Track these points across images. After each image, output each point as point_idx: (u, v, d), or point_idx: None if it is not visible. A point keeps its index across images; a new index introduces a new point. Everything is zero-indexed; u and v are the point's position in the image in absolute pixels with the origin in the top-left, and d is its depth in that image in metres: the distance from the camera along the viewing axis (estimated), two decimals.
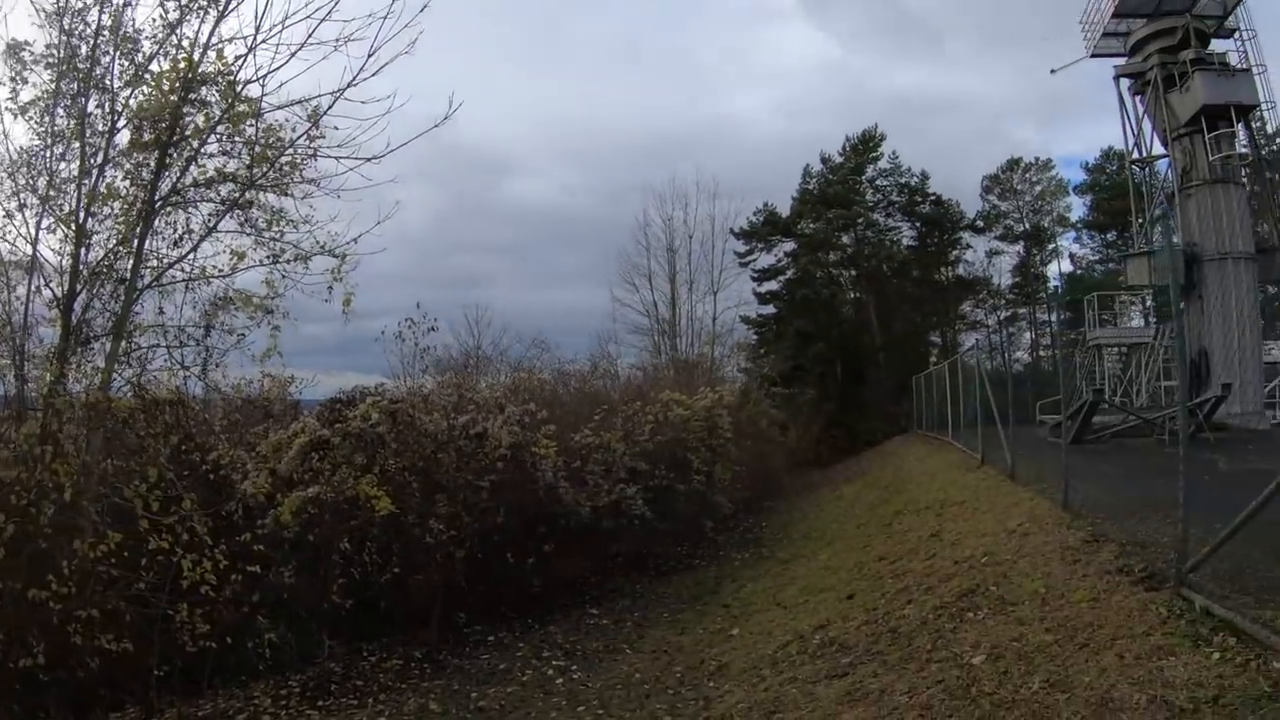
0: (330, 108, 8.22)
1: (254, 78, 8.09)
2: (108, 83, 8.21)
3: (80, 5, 8.13)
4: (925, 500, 15.22)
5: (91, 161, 8.14)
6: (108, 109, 8.21)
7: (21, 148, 8.26)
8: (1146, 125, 24.37)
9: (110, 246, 8.15)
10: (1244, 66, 22.36)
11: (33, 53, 8.18)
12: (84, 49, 8.19)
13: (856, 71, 79.11)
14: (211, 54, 8.06)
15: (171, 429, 8.64)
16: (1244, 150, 22.59)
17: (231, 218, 8.70)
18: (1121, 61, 24.58)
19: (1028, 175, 50.69)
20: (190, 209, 8.51)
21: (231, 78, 8.06)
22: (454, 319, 29.46)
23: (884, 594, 9.55)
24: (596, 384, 21.92)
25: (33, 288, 8.16)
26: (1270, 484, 4.97)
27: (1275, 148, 24.60)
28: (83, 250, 8.03)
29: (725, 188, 50.16)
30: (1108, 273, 43.50)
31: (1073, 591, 6.79)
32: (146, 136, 8.02)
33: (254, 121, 8.30)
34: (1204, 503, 6.41)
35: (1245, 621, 5.00)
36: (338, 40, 7.78)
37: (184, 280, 8.52)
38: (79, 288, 7.99)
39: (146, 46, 8.24)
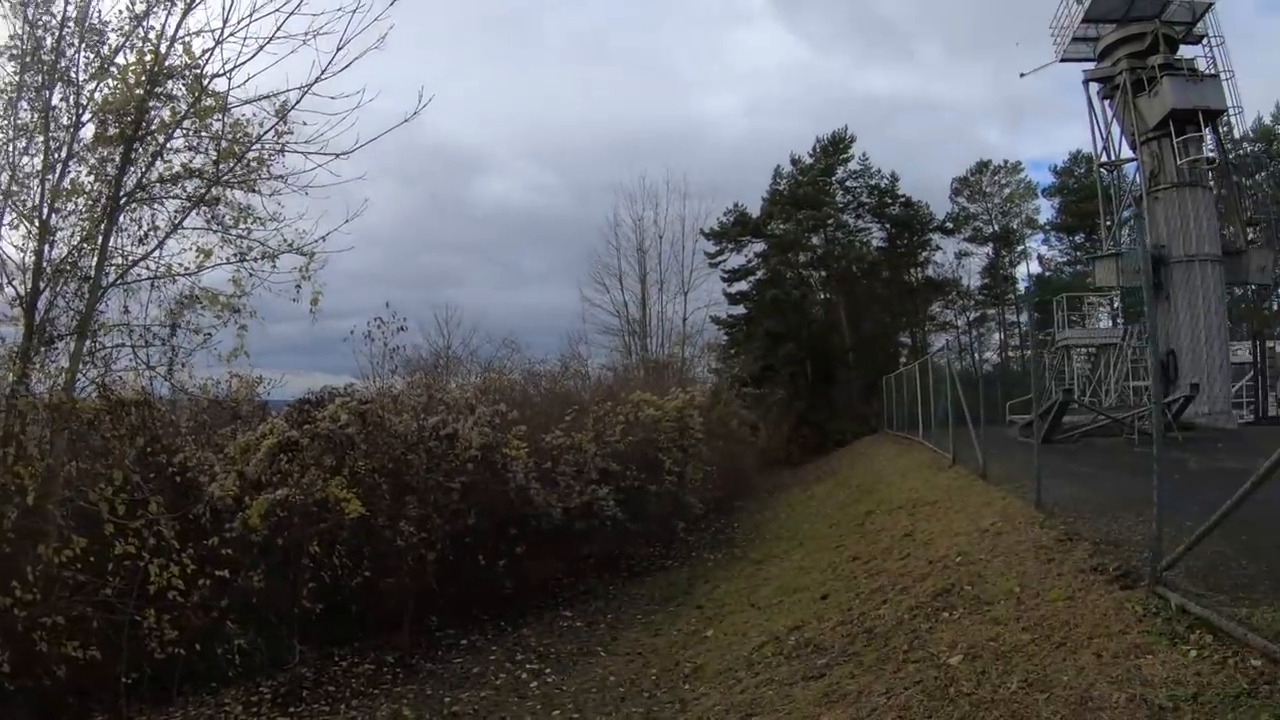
0: (298, 102, 8.13)
1: (221, 71, 7.99)
2: (73, 75, 8.07)
3: None
4: (897, 500, 15.26)
5: (56, 156, 8.00)
6: (72, 102, 8.06)
7: None
8: (1115, 129, 24.72)
9: (74, 243, 8.02)
10: (1212, 72, 22.76)
11: None
12: (49, 41, 8.05)
13: (827, 73, 79.75)
14: (178, 47, 7.96)
15: (137, 430, 8.49)
16: (1211, 154, 22.97)
17: (198, 214, 8.58)
18: (1091, 66, 24.90)
19: (997, 178, 51.29)
20: (156, 205, 8.40)
21: (198, 71, 7.94)
22: (424, 319, 29.40)
23: (858, 594, 9.54)
24: (567, 384, 21.82)
25: None
26: (1245, 482, 4.96)
27: (1242, 152, 24.92)
28: (46, 247, 7.90)
29: (696, 188, 50.57)
30: (1076, 274, 44.10)
31: (1048, 590, 6.80)
32: (112, 131, 7.89)
33: (221, 116, 8.20)
34: (1175, 501, 6.45)
35: (1221, 619, 5.01)
36: (306, 34, 7.69)
37: (149, 278, 8.39)
38: (42, 285, 7.85)
39: (112, 39, 8.11)
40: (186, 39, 7.91)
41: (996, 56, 78.08)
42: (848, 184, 45.07)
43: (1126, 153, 24.65)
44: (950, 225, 49.09)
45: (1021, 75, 27.54)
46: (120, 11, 7.99)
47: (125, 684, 7.71)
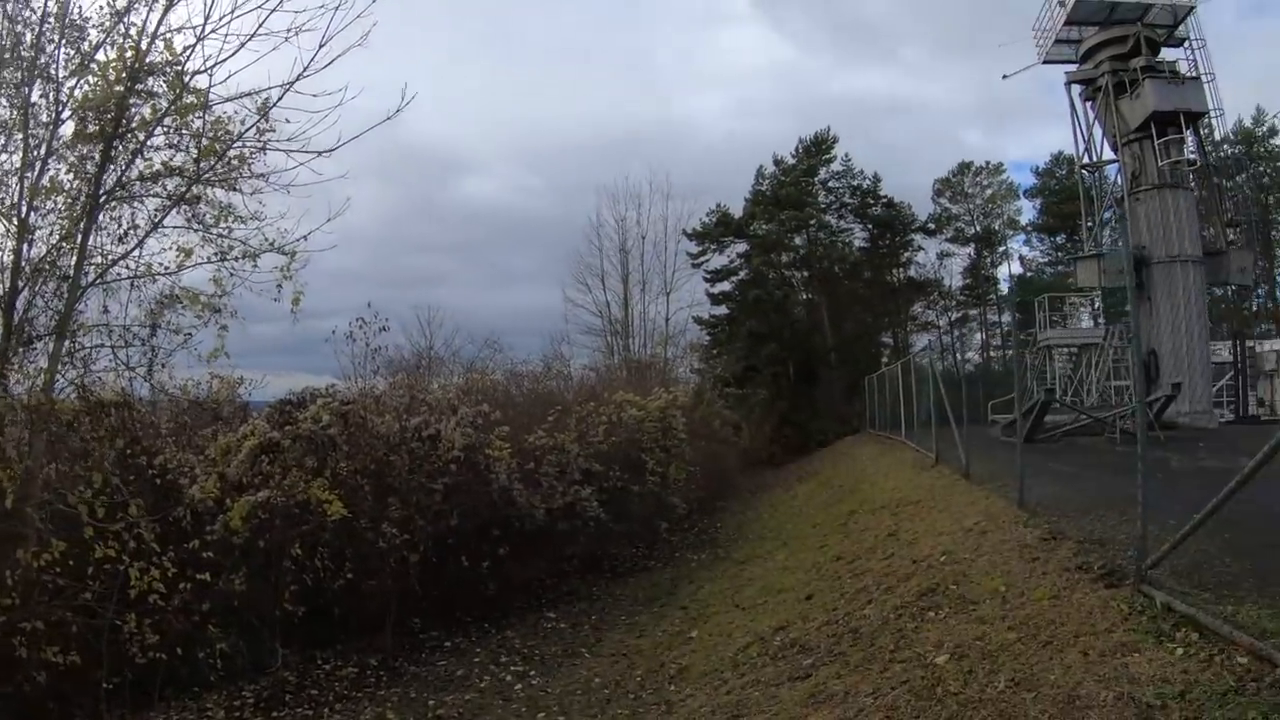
0: (280, 100, 8.02)
1: (202, 68, 7.88)
2: (52, 72, 7.96)
3: None
4: (880, 499, 15.28)
5: (35, 154, 7.90)
6: (52, 99, 7.95)
7: None
8: (1097, 131, 24.91)
9: (53, 242, 7.92)
10: (1193, 75, 23.03)
11: None
12: (28, 36, 7.94)
13: (810, 74, 79.83)
14: (159, 44, 7.85)
15: (117, 432, 8.40)
16: (1192, 156, 23.20)
17: (178, 213, 8.50)
18: (1073, 68, 25.12)
19: (979, 179, 51.60)
20: (136, 204, 8.30)
21: (179, 68, 7.84)
22: (406, 319, 29.22)
23: (843, 594, 9.53)
24: (550, 384, 21.76)
25: None
26: (1227, 481, 4.97)
27: (1223, 154, 25.14)
28: (25, 246, 7.79)
29: (678, 188, 50.44)
30: (1057, 275, 44.42)
31: (1033, 589, 6.80)
32: (91, 128, 7.79)
33: (202, 114, 8.10)
34: (1158, 500, 6.43)
35: (1207, 617, 5.02)
36: (289, 31, 7.60)
37: (129, 278, 8.30)
38: (21, 285, 7.74)
39: (93, 35, 8.01)
40: (168, 35, 7.82)
41: (979, 58, 78.38)
42: (830, 184, 45.20)
43: (1108, 154, 24.88)
44: (932, 226, 49.41)
45: (1004, 77, 27.64)
46: (101, 7, 7.91)
47: (106, 689, 7.61)
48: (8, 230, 7.80)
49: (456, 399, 13.13)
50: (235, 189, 8.57)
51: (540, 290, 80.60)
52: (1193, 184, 23.38)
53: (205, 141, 8.16)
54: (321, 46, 7.58)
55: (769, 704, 6.87)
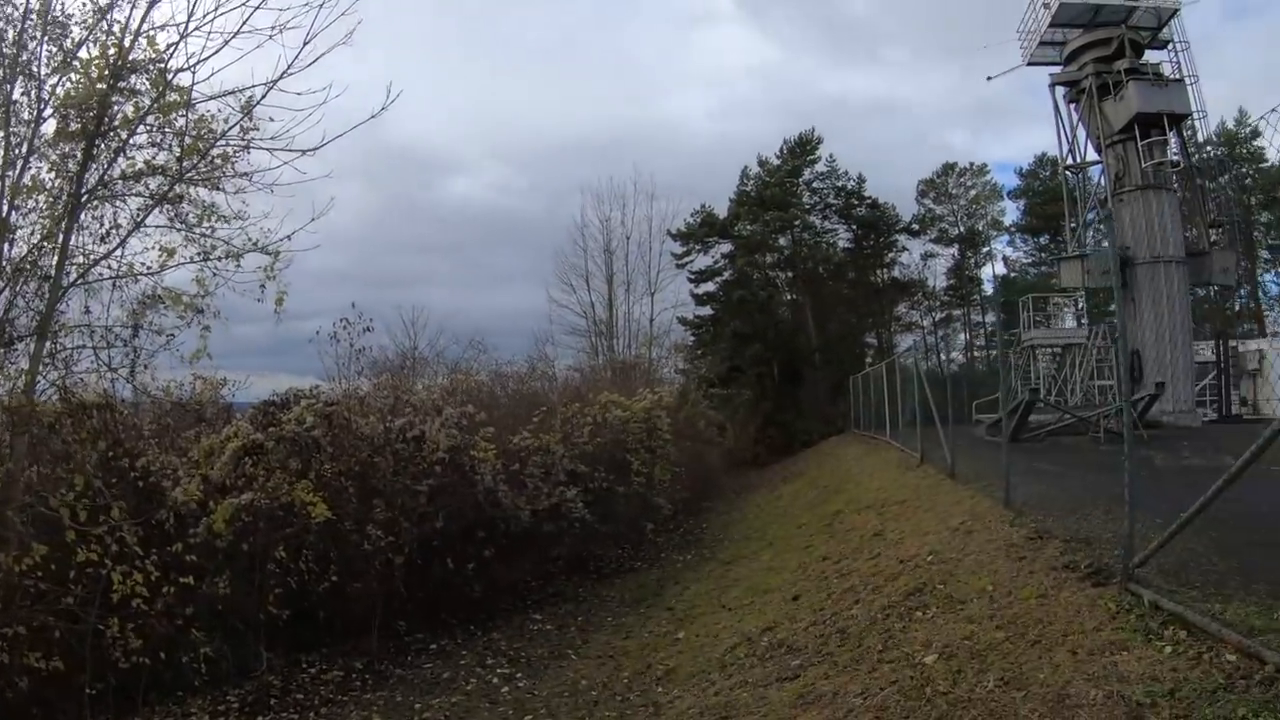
0: (264, 98, 7.97)
1: (185, 66, 7.81)
2: (34, 69, 7.86)
3: None
4: (866, 499, 15.30)
5: (16, 152, 7.81)
6: (34, 97, 7.86)
7: None
8: (1081, 132, 25.05)
9: (34, 242, 7.83)
10: (1177, 77, 23.23)
11: None
12: (10, 33, 7.84)
13: (794, 75, 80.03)
14: (142, 41, 7.78)
15: (99, 434, 8.31)
16: (1176, 157, 23.34)
17: (161, 212, 8.42)
18: (1057, 70, 25.26)
19: (963, 180, 51.86)
20: (118, 203, 8.22)
21: (162, 65, 7.77)
22: (390, 319, 29.12)
23: (830, 594, 9.53)
24: (534, 385, 21.74)
25: None
26: (1211, 479, 5.00)
27: (1206, 155, 25.30)
28: (5, 245, 7.70)
29: (663, 189, 50.55)
30: (1040, 275, 44.65)
31: (1020, 589, 6.81)
32: (74, 126, 7.71)
33: (185, 112, 8.03)
34: (1143, 499, 6.47)
35: (1195, 615, 5.04)
36: (273, 28, 7.55)
37: (111, 278, 8.23)
38: (1, 285, 7.65)
39: (76, 32, 7.92)
40: (151, 32, 7.75)
41: (963, 60, 78.76)
42: (814, 185, 45.28)
43: (1092, 155, 25.05)
44: (916, 227, 49.62)
45: (989, 79, 27.76)
46: (84, 4, 7.81)
47: (89, 695, 7.52)
48: None
49: (441, 400, 13.10)
50: (218, 188, 8.52)
51: (524, 291, 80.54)
52: (1176, 185, 23.56)
53: (188, 140, 8.09)
54: (306, 44, 7.55)
55: (758, 705, 6.85)
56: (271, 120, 8.08)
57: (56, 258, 7.83)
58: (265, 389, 12.18)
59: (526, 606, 12.86)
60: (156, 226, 8.45)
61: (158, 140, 8.21)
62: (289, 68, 7.66)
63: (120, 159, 8.09)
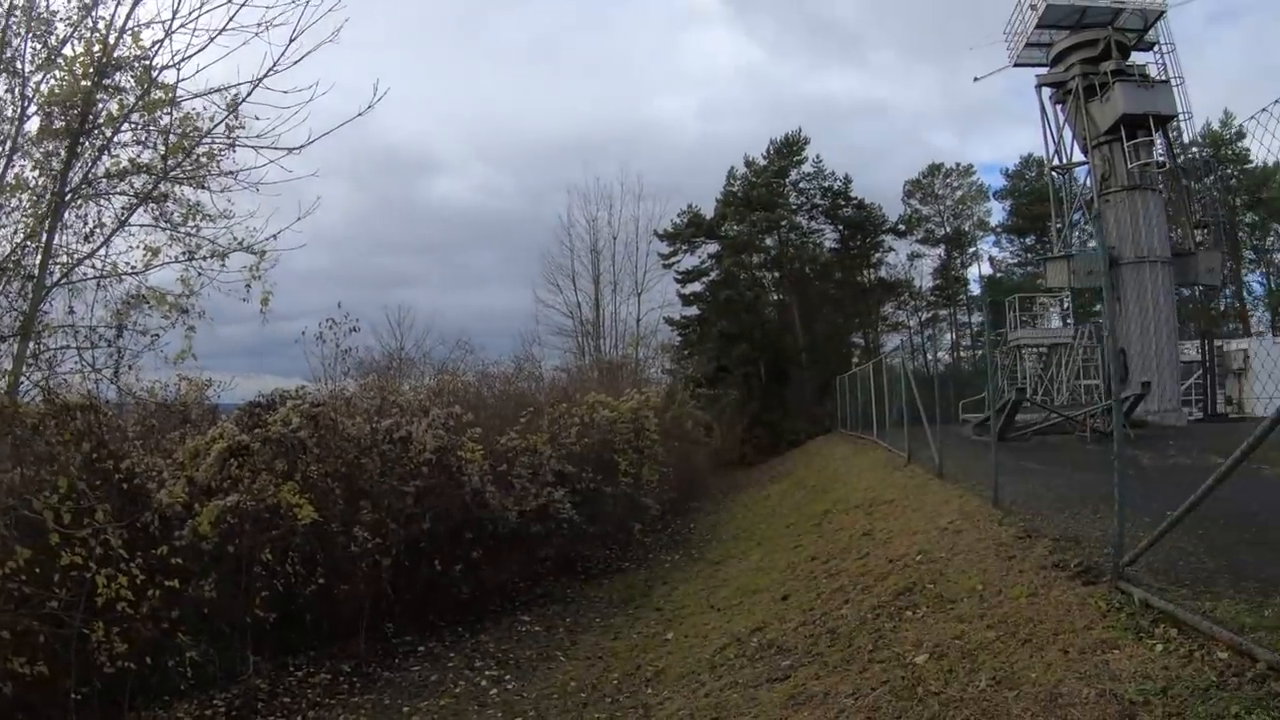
0: (249, 95, 7.95)
1: (170, 63, 7.76)
2: (18, 66, 7.79)
3: None
4: (854, 499, 15.32)
5: None
6: (18, 94, 7.79)
7: None
8: (1067, 133, 25.20)
9: (17, 241, 7.78)
10: (1163, 78, 23.40)
11: None
12: None
13: (781, 76, 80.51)
14: (127, 38, 7.72)
15: (83, 436, 8.20)
16: (1161, 159, 23.50)
17: (145, 211, 8.39)
18: (1044, 71, 25.41)
19: (949, 180, 52.12)
20: (102, 201, 8.18)
21: (147, 63, 7.71)
22: (376, 320, 29.06)
23: (819, 594, 9.52)
24: (521, 385, 21.64)
25: None
26: (1198, 478, 5.01)
27: (1191, 156, 25.45)
28: None
29: (650, 189, 50.71)
30: (1027, 276, 44.85)
31: (1010, 588, 6.82)
32: (58, 124, 7.65)
33: (170, 110, 7.98)
34: (1131, 497, 6.49)
35: (1185, 613, 5.06)
36: (259, 25, 7.50)
37: (95, 277, 8.20)
38: None
39: (60, 29, 7.86)
40: (135, 30, 7.70)
41: (949, 61, 79.22)
42: (801, 186, 45.47)
43: (1078, 156, 25.20)
44: (902, 227, 49.90)
45: (975, 79, 27.95)
46: (68, 1, 7.76)
47: (75, 700, 7.42)
48: None
49: (428, 400, 13.06)
50: (203, 187, 8.49)
51: (511, 291, 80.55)
52: (1161, 186, 23.70)
53: (173, 138, 8.05)
54: (292, 41, 7.52)
55: (749, 706, 6.82)
56: (257, 119, 8.07)
57: (40, 257, 7.78)
58: (251, 390, 12.11)
59: (514, 608, 12.80)
60: (141, 225, 8.44)
61: (142, 138, 8.19)
62: (275, 65, 7.64)
63: (104, 157, 8.06)
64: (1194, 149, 26.10)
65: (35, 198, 7.79)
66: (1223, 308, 45.45)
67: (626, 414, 17.29)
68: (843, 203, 45.88)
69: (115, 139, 8.01)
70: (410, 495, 10.93)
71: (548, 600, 13.33)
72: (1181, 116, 23.43)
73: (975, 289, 51.18)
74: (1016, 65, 26.25)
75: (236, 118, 8.05)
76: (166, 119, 8.01)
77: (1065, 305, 30.17)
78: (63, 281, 7.98)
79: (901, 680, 5.91)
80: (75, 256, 8.02)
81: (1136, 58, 24.07)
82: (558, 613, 12.54)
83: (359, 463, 10.79)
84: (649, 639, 10.32)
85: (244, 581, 9.10)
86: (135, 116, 7.95)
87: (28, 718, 7.33)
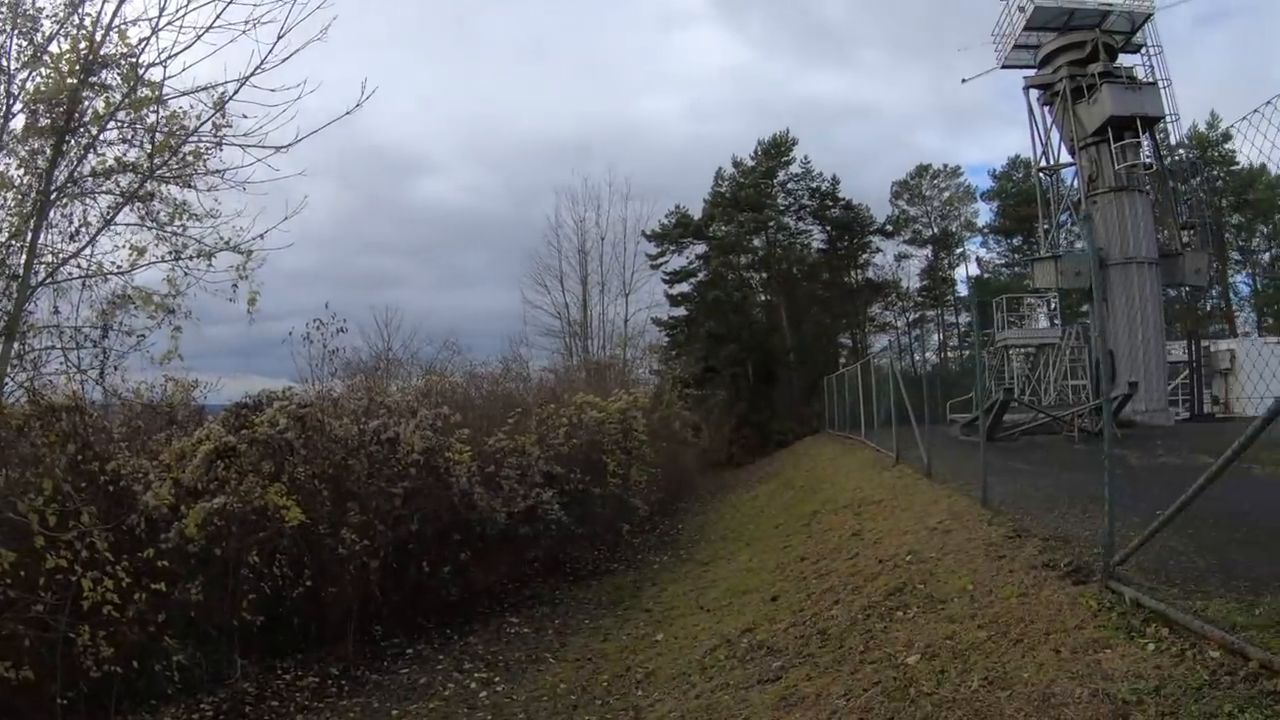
0: (236, 93, 7.87)
1: (157, 60, 7.68)
2: (4, 63, 7.69)
3: None
4: (842, 499, 15.33)
5: None
6: (3, 91, 7.68)
7: None
8: (1055, 135, 25.33)
9: (2, 240, 7.67)
10: (1150, 80, 23.54)
11: None
12: None
13: (769, 76, 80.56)
14: (114, 35, 7.63)
15: (69, 437, 8.12)
16: (1148, 160, 23.62)
17: (131, 210, 8.30)
18: (1031, 73, 25.57)
19: (936, 181, 52.28)
20: (88, 200, 8.09)
21: (134, 60, 7.63)
22: (363, 320, 28.79)
23: (809, 595, 9.51)
24: (509, 386, 21.58)
25: None
26: (1186, 477, 5.02)
27: (1178, 158, 25.58)
28: None
29: (638, 190, 50.53)
30: (1014, 276, 45.04)
31: (1001, 587, 6.82)
32: (43, 121, 7.56)
33: (156, 108, 7.90)
34: (1119, 497, 6.48)
35: (1177, 612, 5.06)
36: (246, 22, 7.43)
37: (81, 277, 8.11)
38: None
39: (47, 26, 7.75)
40: (122, 27, 7.62)
41: (937, 62, 79.48)
42: (789, 186, 45.63)
43: (1065, 158, 25.35)
44: (890, 228, 50.09)
45: (963, 81, 28.03)
46: None
47: (61, 704, 7.34)
48: None
49: (415, 401, 12.99)
50: (190, 186, 8.41)
51: (498, 292, 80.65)
52: (1148, 187, 23.82)
53: (160, 136, 7.96)
54: (280, 38, 7.44)
55: (740, 708, 6.80)
56: (245, 117, 7.99)
57: (25, 256, 7.69)
58: (238, 391, 12.02)
59: (503, 609, 12.75)
60: (127, 225, 8.35)
61: (128, 136, 8.10)
62: (262, 63, 7.56)
63: (90, 155, 7.97)
64: (1181, 151, 26.29)
65: (20, 196, 7.70)
66: (1209, 308, 45.70)
67: (614, 415, 17.27)
68: (830, 203, 46.06)
69: (101, 137, 7.94)
70: (398, 497, 10.88)
71: (536, 602, 13.28)
72: (1168, 118, 23.60)
73: (963, 290, 51.44)
74: (1004, 67, 26.38)
75: (223, 116, 7.99)
76: (153, 117, 7.94)
77: (1052, 306, 30.29)
78: (48, 281, 7.90)
79: (893, 681, 5.89)
80: (60, 256, 7.95)
81: (1124, 60, 24.25)
82: (546, 614, 12.49)
83: (346, 464, 10.73)
84: (638, 640, 10.29)
85: (231, 584, 9.02)
86: (121, 114, 7.87)
87: None
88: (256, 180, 8.26)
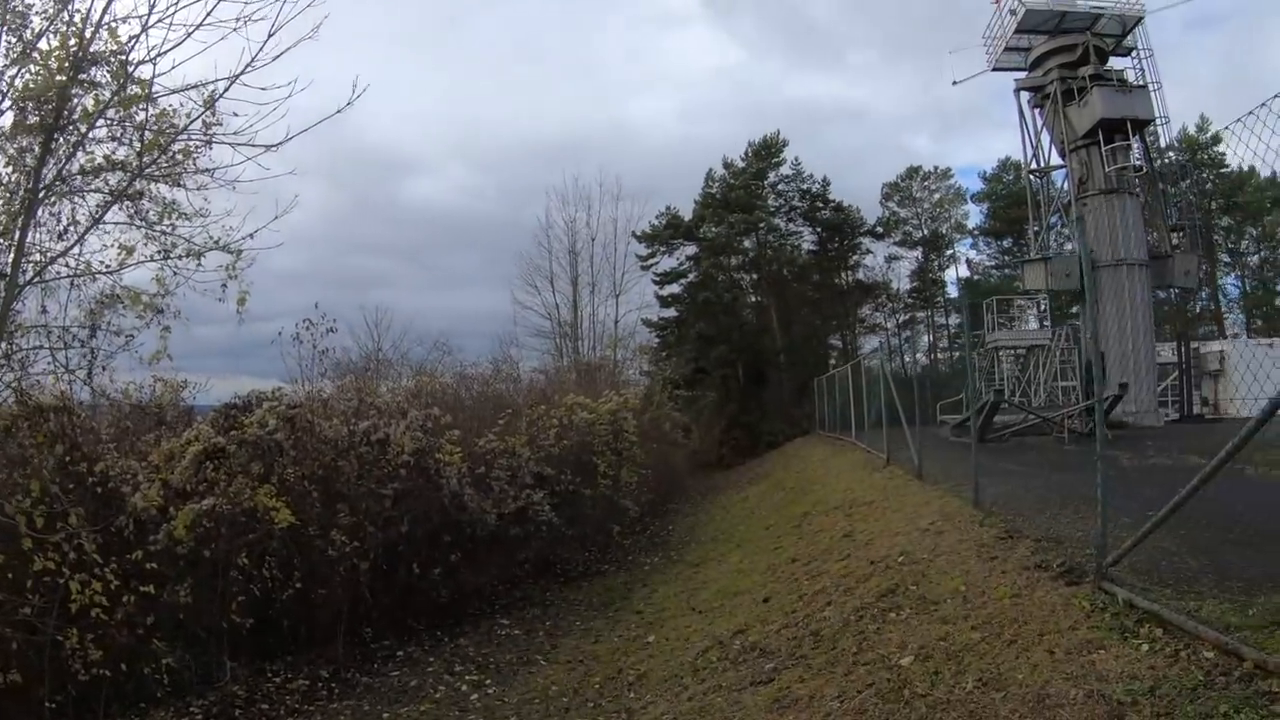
0: (226, 91, 7.78)
1: (147, 58, 7.61)
2: None
3: None
4: (833, 501, 15.31)
5: None
6: None
7: None
8: (1045, 137, 25.46)
9: None
10: (1140, 83, 23.61)
11: None
12: None
13: (760, 78, 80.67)
14: (104, 32, 7.55)
15: (57, 438, 8.06)
16: (1139, 163, 23.72)
17: (120, 209, 8.22)
18: (1022, 75, 25.67)
19: (926, 183, 52.43)
20: (76, 199, 8.01)
21: (124, 57, 7.56)
22: (353, 321, 28.63)
23: (801, 596, 9.49)
24: (499, 387, 21.52)
25: None
26: (1177, 478, 5.03)
27: (1168, 160, 25.68)
28: None
29: (629, 190, 50.53)
30: (1004, 278, 45.20)
31: (994, 588, 6.80)
32: (32, 119, 7.48)
33: (146, 105, 7.82)
34: (1110, 498, 6.47)
35: (1170, 612, 5.06)
36: (237, 20, 7.36)
37: (69, 276, 8.03)
38: None
39: (36, 22, 7.64)
40: (112, 24, 7.54)
41: (927, 64, 79.68)
42: (779, 188, 45.64)
43: (1056, 160, 25.47)
44: (880, 229, 50.16)
45: (954, 83, 28.04)
46: None
47: (49, 708, 7.30)
48: None
49: (406, 402, 12.95)
50: (179, 184, 8.34)
51: (488, 293, 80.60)
52: (1138, 189, 23.95)
53: (149, 134, 7.88)
54: (270, 37, 7.36)
55: (733, 710, 6.77)
56: (235, 115, 7.91)
57: (12, 255, 7.60)
58: (227, 391, 12.00)
59: (494, 611, 12.71)
60: (116, 223, 8.28)
61: (118, 134, 8.02)
62: (252, 61, 7.48)
63: (79, 153, 7.89)
64: (1170, 153, 26.41)
65: (8, 194, 7.64)
66: (1198, 310, 45.89)
67: (605, 416, 17.26)
68: (821, 205, 46.12)
69: (90, 135, 7.86)
70: (388, 498, 10.85)
71: (527, 603, 13.25)
72: (1158, 121, 23.75)
73: (953, 291, 51.62)
74: (995, 69, 26.49)
75: (214, 114, 7.90)
76: (142, 115, 7.86)
77: (1042, 307, 30.42)
78: (36, 280, 7.83)
79: (887, 683, 5.87)
80: (48, 255, 7.86)
81: (1115, 63, 24.35)
82: (537, 616, 12.47)
83: (336, 465, 10.69)
84: (630, 642, 10.27)
85: (220, 586, 8.98)
86: (111, 112, 7.79)
87: None
88: (246, 179, 8.21)
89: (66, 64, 7.40)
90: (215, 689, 8.82)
